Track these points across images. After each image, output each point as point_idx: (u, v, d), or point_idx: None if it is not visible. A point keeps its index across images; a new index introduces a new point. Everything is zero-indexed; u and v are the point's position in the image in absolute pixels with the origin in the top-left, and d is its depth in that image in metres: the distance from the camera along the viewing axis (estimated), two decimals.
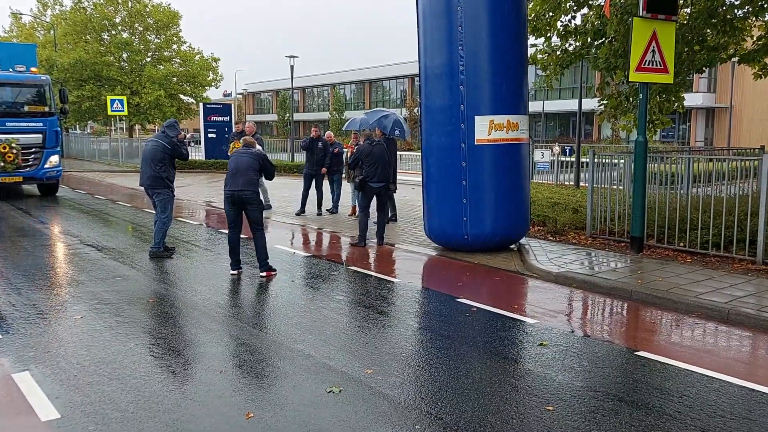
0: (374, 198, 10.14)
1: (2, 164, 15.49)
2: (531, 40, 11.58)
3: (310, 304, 6.79)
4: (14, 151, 15.51)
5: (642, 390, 4.50)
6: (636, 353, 5.26)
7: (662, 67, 8.67)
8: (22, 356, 5.12)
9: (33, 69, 17.06)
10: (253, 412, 4.10)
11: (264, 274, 7.96)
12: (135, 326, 6.00)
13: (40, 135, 16.13)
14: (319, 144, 13.14)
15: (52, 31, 38.03)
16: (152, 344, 5.49)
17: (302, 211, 13.31)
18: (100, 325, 5.97)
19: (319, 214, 13.24)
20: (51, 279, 7.83)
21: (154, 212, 9.37)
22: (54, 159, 16.44)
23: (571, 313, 6.71)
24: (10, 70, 16.47)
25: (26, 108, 16.31)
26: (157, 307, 6.69)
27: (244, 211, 8.07)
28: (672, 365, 4.97)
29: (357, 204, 11.66)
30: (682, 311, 6.47)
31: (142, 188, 9.34)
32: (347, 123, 16.55)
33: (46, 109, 16.48)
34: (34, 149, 16.01)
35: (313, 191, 13.30)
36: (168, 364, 4.99)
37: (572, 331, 5.95)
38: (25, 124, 15.93)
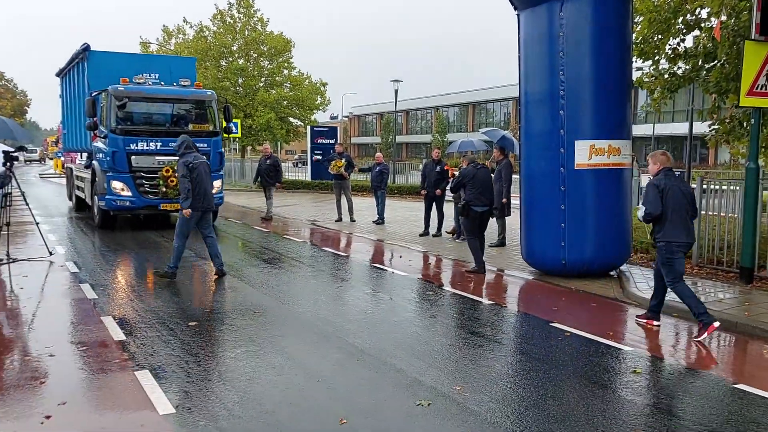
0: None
1: (164, 189, 13.62)
2: (638, 63, 11.34)
3: (404, 322, 7.01)
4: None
5: (736, 422, 4.38)
6: (735, 386, 5.09)
7: None
8: (147, 358, 5.70)
9: (197, 83, 15.30)
10: (346, 419, 4.37)
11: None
12: (242, 334, 6.47)
13: (204, 157, 14.20)
14: (437, 168, 13.57)
15: None
16: (255, 351, 5.91)
17: (426, 232, 13.71)
18: (211, 335, 6.50)
19: (437, 235, 13.63)
20: (172, 289, 8.54)
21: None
22: (217, 184, 13.75)
23: (668, 343, 6.55)
24: (174, 84, 14.54)
25: (190, 126, 14.18)
26: (262, 317, 7.15)
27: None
28: None
29: (463, 227, 10.82)
30: None
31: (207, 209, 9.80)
32: (459, 144, 17.14)
33: (211, 128, 14.47)
34: None
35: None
36: (272, 366, 5.37)
37: (668, 361, 5.82)
38: None
